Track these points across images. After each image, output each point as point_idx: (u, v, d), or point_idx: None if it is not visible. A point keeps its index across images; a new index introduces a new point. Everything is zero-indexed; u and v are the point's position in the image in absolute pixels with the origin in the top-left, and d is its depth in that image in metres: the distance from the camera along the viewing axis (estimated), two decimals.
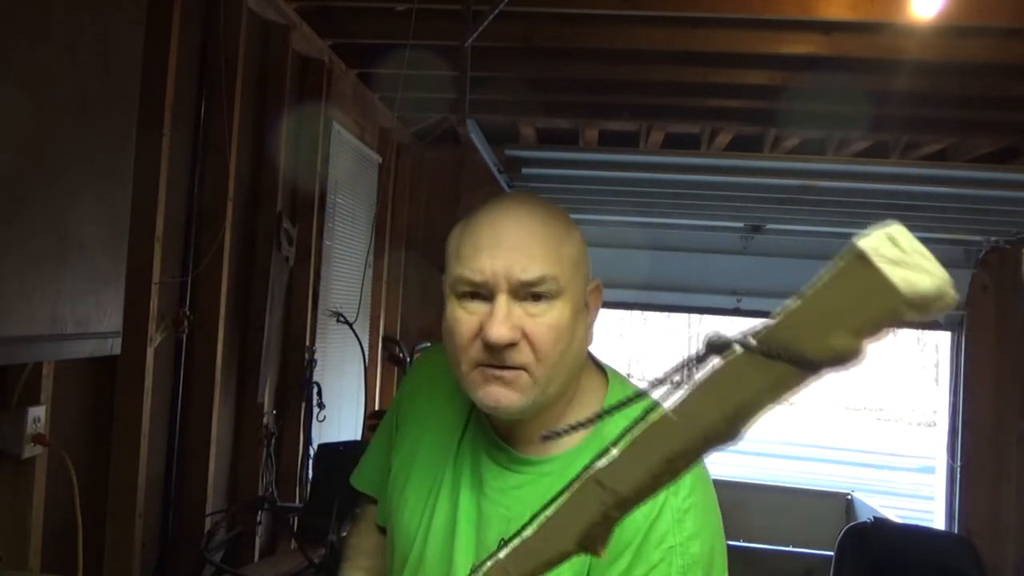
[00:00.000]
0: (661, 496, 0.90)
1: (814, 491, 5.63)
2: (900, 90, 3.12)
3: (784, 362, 0.29)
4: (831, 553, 2.95)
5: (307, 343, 3.07)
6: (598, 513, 0.51)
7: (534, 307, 0.93)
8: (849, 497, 5.20)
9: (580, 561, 0.91)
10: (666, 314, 19.21)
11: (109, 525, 2.01)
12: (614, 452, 0.48)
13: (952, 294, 0.28)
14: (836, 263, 0.29)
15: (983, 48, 2.76)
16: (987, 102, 3.34)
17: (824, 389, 21.19)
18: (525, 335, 0.92)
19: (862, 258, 0.28)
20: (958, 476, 4.43)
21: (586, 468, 0.51)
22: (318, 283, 3.16)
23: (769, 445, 13.33)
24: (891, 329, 0.28)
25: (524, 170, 3.23)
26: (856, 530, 2.98)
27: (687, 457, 0.44)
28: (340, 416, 3.65)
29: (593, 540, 0.53)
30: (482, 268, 0.93)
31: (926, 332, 11.72)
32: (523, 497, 0.97)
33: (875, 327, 0.28)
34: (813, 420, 18.43)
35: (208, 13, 2.34)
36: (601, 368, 1.05)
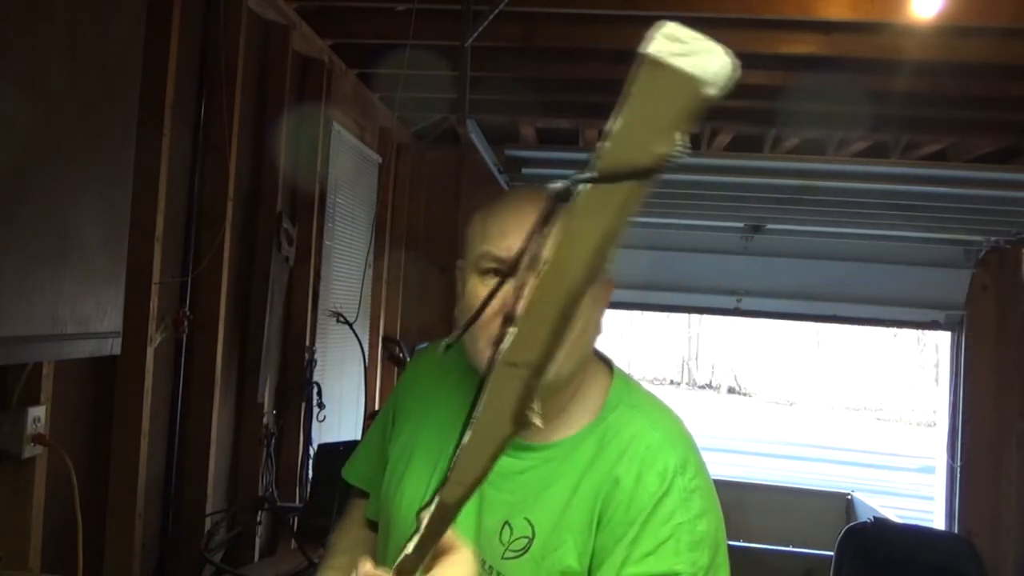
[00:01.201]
0: (668, 476, 0.93)
1: (814, 491, 5.63)
2: (900, 90, 3.12)
3: (626, 180, 0.31)
4: (831, 553, 2.95)
5: (307, 343, 3.07)
6: (520, 388, 0.53)
7: None
8: (849, 497, 5.21)
9: (583, 540, 0.93)
10: (665, 314, 19.20)
11: (109, 525, 2.01)
12: (512, 330, 0.50)
13: (734, 62, 0.31)
14: (634, 76, 0.30)
15: (983, 48, 2.76)
16: (987, 102, 3.34)
17: (824, 389, 21.21)
18: None
19: (655, 62, 0.29)
20: (958, 476, 4.43)
21: (492, 361, 0.53)
22: (318, 283, 3.16)
23: (769, 445, 13.34)
24: (700, 115, 0.31)
25: (524, 170, 3.24)
26: (856, 530, 2.98)
27: (576, 300, 0.46)
28: (340, 416, 3.65)
29: (525, 415, 0.55)
30: (509, 245, 0.94)
31: (926, 332, 11.72)
32: (526, 482, 0.97)
33: (688, 118, 0.31)
34: (813, 420, 18.43)
35: (208, 13, 2.34)
36: (606, 364, 1.07)
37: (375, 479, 1.17)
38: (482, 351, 0.95)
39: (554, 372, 0.94)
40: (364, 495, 1.23)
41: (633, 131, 0.30)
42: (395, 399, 1.18)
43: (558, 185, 0.33)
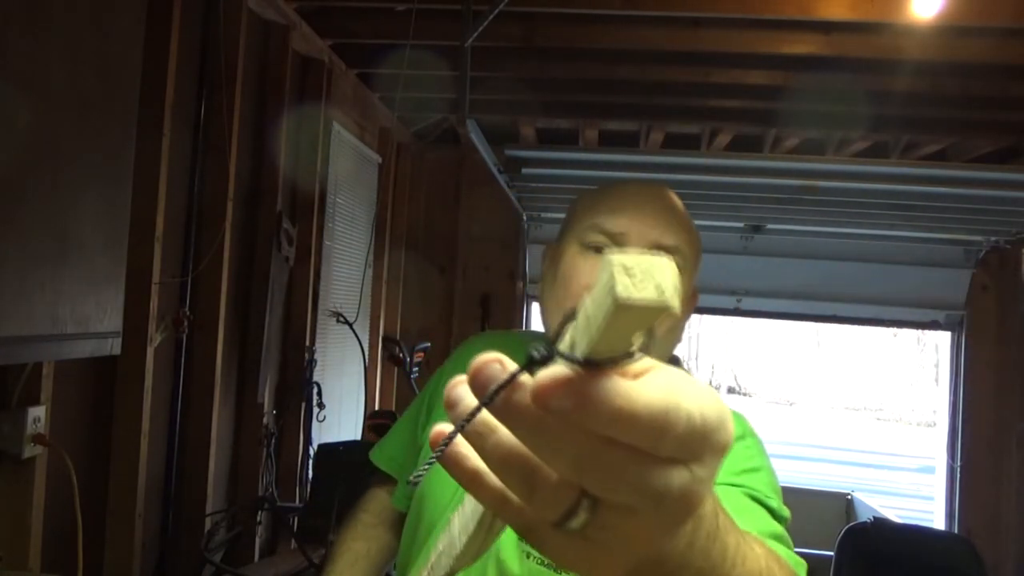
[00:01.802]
0: (746, 426, 0.93)
1: (814, 491, 5.63)
2: (900, 90, 3.12)
3: (602, 366, 0.33)
4: (831, 553, 2.95)
5: (307, 343, 3.07)
6: None
7: None
8: (849, 497, 5.20)
9: None
10: None
11: (109, 525, 2.01)
12: None
13: (675, 269, 0.33)
14: (601, 305, 0.32)
15: (983, 48, 2.76)
16: (987, 102, 3.34)
17: (824, 389, 21.21)
18: None
19: (622, 305, 0.31)
20: (958, 476, 4.43)
21: None
22: (318, 283, 3.16)
23: (769, 445, 13.30)
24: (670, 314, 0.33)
25: (524, 170, 3.23)
26: (856, 530, 2.98)
27: None
28: (340, 416, 3.65)
29: None
30: (621, 221, 0.93)
31: (926, 332, 11.72)
32: None
33: (658, 321, 0.32)
34: (813, 420, 18.43)
35: (208, 13, 2.34)
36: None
37: (404, 464, 1.16)
38: None
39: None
40: (384, 484, 1.23)
41: (607, 340, 0.32)
42: (436, 385, 1.17)
43: (540, 353, 0.34)
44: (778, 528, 0.80)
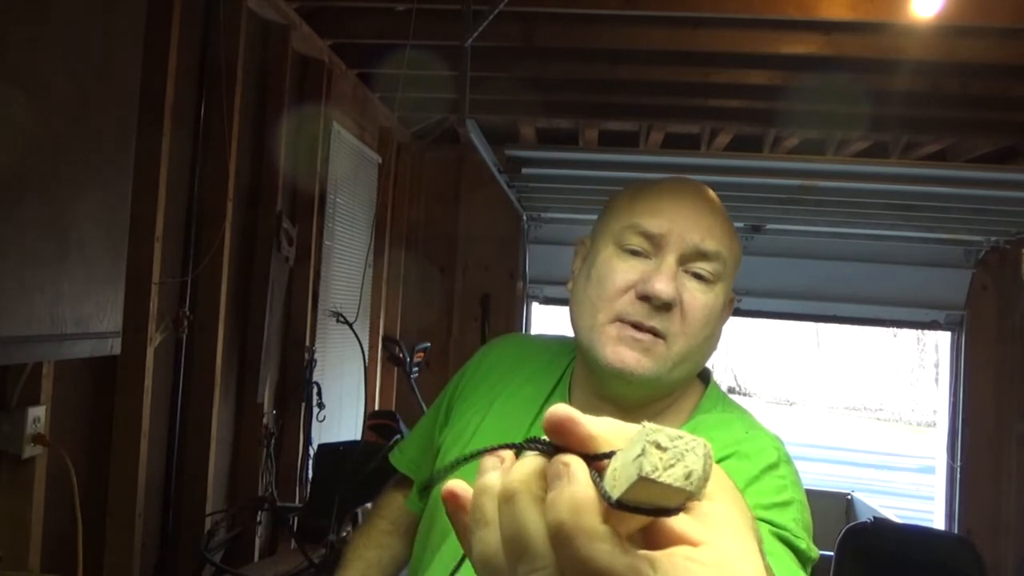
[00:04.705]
0: (780, 454, 0.89)
1: (814, 491, 5.59)
2: (900, 90, 3.12)
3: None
4: (831, 553, 2.95)
5: (307, 343, 3.07)
6: None
7: (693, 283, 0.91)
8: (849, 497, 5.20)
9: None
10: None
11: (109, 525, 2.01)
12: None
13: (710, 454, 0.33)
14: (628, 469, 0.32)
15: (983, 48, 2.76)
16: (987, 102, 3.34)
17: (824, 389, 21.21)
18: (680, 304, 0.90)
19: (646, 480, 0.32)
20: (958, 476, 4.43)
21: None
22: (318, 283, 3.16)
23: None
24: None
25: (524, 170, 3.22)
26: (856, 530, 2.98)
27: None
28: (340, 416, 3.65)
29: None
30: (661, 223, 0.91)
31: (926, 332, 11.73)
32: None
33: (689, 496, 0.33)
34: (813, 420, 18.43)
35: (208, 13, 2.34)
36: (702, 376, 1.02)
37: (422, 466, 1.15)
38: (601, 325, 0.91)
39: (670, 377, 0.91)
40: (403, 486, 1.22)
41: (630, 496, 0.33)
42: (456, 387, 1.15)
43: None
44: None
